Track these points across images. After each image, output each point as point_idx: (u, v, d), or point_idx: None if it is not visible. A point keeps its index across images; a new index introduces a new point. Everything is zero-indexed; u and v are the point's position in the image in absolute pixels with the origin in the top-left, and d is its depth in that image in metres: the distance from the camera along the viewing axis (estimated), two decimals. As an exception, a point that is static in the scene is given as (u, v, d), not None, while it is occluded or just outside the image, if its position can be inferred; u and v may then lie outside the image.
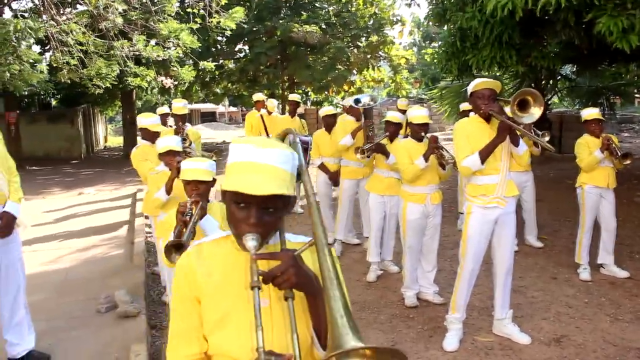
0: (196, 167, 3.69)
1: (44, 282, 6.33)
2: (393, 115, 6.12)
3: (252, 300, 1.51)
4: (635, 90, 22.31)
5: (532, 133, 6.38)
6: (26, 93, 22.61)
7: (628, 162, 5.98)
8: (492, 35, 8.36)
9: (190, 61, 14.92)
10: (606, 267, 6.39)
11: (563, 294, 5.87)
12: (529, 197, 7.30)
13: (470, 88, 4.57)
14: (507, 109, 4.52)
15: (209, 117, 49.43)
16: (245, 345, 1.58)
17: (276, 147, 1.57)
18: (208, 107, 41.03)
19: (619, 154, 5.96)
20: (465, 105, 8.85)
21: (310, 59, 20.84)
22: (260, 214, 1.54)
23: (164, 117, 8.60)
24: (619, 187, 6.35)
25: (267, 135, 10.06)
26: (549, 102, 17.78)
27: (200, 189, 3.64)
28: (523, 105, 4.33)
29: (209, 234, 3.38)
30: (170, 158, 4.72)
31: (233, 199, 1.55)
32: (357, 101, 7.29)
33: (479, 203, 4.61)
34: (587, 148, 6.13)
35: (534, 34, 9.01)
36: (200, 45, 13.41)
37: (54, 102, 27.49)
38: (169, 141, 4.86)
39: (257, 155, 1.54)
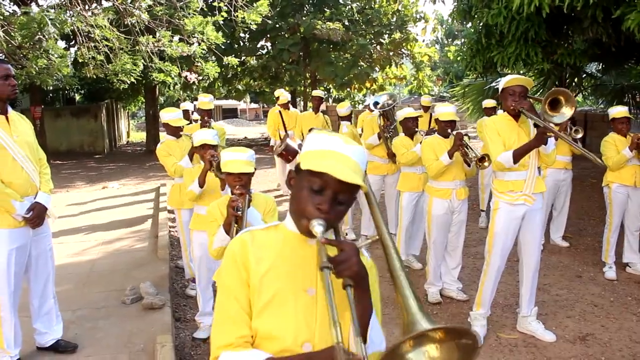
0: (238, 159, 3.67)
1: (70, 274, 6.42)
2: (407, 112, 6.16)
3: (301, 288, 1.58)
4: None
5: (568, 130, 6.36)
6: (51, 88, 22.94)
7: None
8: (518, 32, 8.31)
9: (214, 57, 14.99)
10: (632, 267, 6.33)
11: (588, 292, 5.82)
12: (564, 196, 7.23)
13: (501, 84, 4.54)
14: (538, 110, 4.51)
15: (230, 114, 49.63)
16: (289, 329, 1.61)
17: (357, 145, 1.62)
18: (230, 103, 41.23)
19: None
20: (488, 102, 8.81)
21: (333, 55, 20.83)
22: (333, 202, 1.57)
23: (186, 113, 8.67)
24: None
25: (285, 131, 10.09)
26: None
27: (243, 180, 3.65)
28: (554, 105, 4.31)
29: (252, 225, 3.43)
30: (205, 151, 4.75)
31: (310, 182, 1.58)
32: (375, 104, 7.36)
33: (506, 199, 4.59)
34: (614, 146, 6.07)
35: (560, 31, 8.95)
36: (224, 41, 13.46)
37: (77, 98, 27.77)
38: (205, 134, 4.86)
39: (343, 148, 1.59)
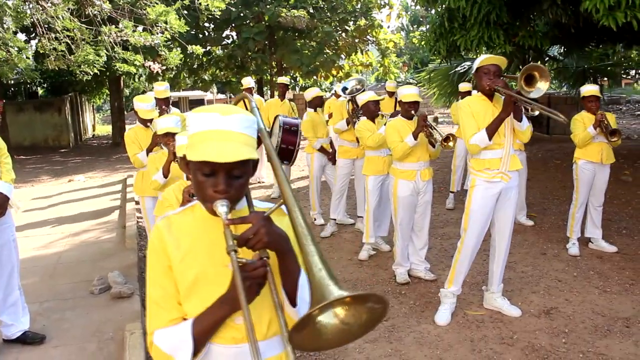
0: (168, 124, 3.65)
1: (36, 267, 6.34)
2: (368, 96, 6.19)
3: (222, 264, 1.61)
4: (622, 72, 22.49)
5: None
6: (12, 82, 22.46)
7: (615, 139, 6.03)
8: (480, 15, 8.40)
9: (179, 48, 14.82)
10: (594, 242, 6.47)
11: (552, 268, 5.95)
12: (521, 177, 7.37)
13: (476, 64, 4.57)
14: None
15: (197, 105, 49.10)
16: None
17: (239, 112, 1.60)
18: (196, 94, 40.78)
19: (609, 129, 6.01)
20: (463, 86, 8.89)
21: (298, 43, 20.73)
22: (228, 180, 1.58)
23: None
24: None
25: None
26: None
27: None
28: (529, 81, 4.38)
29: None
30: (169, 140, 4.70)
31: (200, 168, 1.58)
32: (344, 89, 7.42)
33: (483, 177, 4.65)
34: (582, 124, 6.17)
35: (521, 13, 9.06)
36: (188, 29, 13.33)
37: (40, 92, 27.24)
38: (167, 122, 4.82)
39: (221, 123, 1.56)
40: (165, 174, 4.75)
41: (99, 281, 5.48)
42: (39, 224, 8.54)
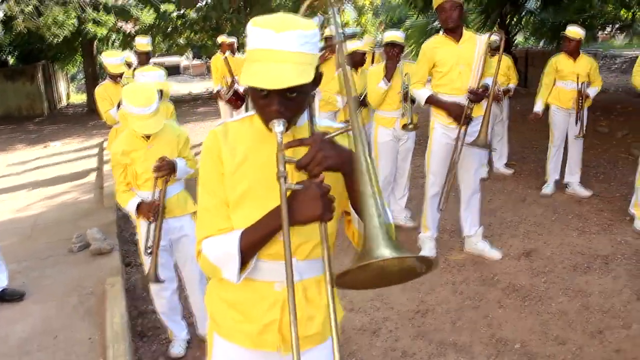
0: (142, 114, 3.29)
1: (14, 228, 6.26)
2: (356, 46, 6.09)
3: (274, 179, 1.49)
4: (599, 27, 22.47)
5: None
6: (-21, 51, 21.90)
7: None
8: (457, -37, 8.27)
9: (152, 10, 14.52)
10: (570, 187, 6.52)
11: (531, 213, 6.00)
12: (502, 127, 7.42)
13: (434, 4, 4.51)
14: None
15: (173, 71, 48.40)
16: None
17: (297, 27, 1.47)
18: (172, 60, 40.24)
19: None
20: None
21: (274, 3, 20.44)
22: (282, 100, 1.49)
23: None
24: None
25: (232, 78, 9.88)
26: (514, 40, 17.80)
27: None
28: None
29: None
30: None
31: (255, 90, 1.51)
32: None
33: (442, 122, 4.64)
34: (553, 70, 6.19)
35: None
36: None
37: (11, 61, 26.61)
38: (153, 77, 4.60)
39: (275, 42, 1.45)
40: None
41: (77, 238, 5.42)
42: (15, 187, 8.41)
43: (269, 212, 1.56)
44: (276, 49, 1.45)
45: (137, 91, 3.32)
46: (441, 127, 4.65)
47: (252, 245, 1.59)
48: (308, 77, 1.47)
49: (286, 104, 1.50)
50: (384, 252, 1.28)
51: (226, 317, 1.75)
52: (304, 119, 1.65)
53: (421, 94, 4.62)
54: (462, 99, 4.48)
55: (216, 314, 1.79)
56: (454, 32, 4.47)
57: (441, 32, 4.70)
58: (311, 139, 1.50)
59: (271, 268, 1.67)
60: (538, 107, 6.39)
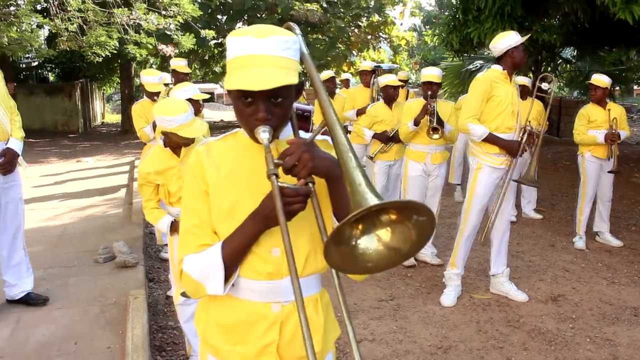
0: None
1: (42, 236, 6.32)
2: (389, 79, 6.10)
3: (261, 192, 1.51)
4: (634, 81, 22.37)
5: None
6: (24, 66, 22.48)
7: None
8: (495, 7, 8.37)
9: (192, 35, 14.81)
10: (601, 236, 6.42)
11: (560, 259, 5.90)
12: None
13: (513, 41, 4.44)
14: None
15: (207, 98, 49.06)
16: None
17: (277, 34, 1.49)
18: (206, 87, 40.81)
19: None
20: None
21: (311, 38, 20.73)
22: (268, 106, 1.49)
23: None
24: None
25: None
26: (548, 89, 17.78)
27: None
28: None
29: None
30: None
31: (237, 96, 1.51)
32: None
33: (490, 162, 4.60)
34: (585, 120, 6.13)
35: (536, 7, 9.00)
36: (202, 13, 13.32)
37: (51, 77, 27.30)
38: (188, 92, 4.56)
39: (257, 47, 1.45)
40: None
41: (103, 250, 5.45)
42: (46, 198, 8.52)
43: (250, 214, 1.55)
44: (258, 53, 1.46)
45: (170, 104, 3.38)
46: (489, 167, 4.61)
47: (235, 252, 1.58)
48: (294, 79, 1.47)
49: (272, 110, 1.50)
50: (373, 200, 1.25)
51: (221, 339, 1.70)
52: (288, 131, 1.65)
53: (480, 131, 4.48)
54: (512, 136, 4.52)
55: (210, 337, 1.74)
56: (511, 72, 4.52)
57: (495, 66, 4.61)
58: (294, 145, 1.49)
59: (268, 289, 1.64)
60: (598, 132, 6.08)
